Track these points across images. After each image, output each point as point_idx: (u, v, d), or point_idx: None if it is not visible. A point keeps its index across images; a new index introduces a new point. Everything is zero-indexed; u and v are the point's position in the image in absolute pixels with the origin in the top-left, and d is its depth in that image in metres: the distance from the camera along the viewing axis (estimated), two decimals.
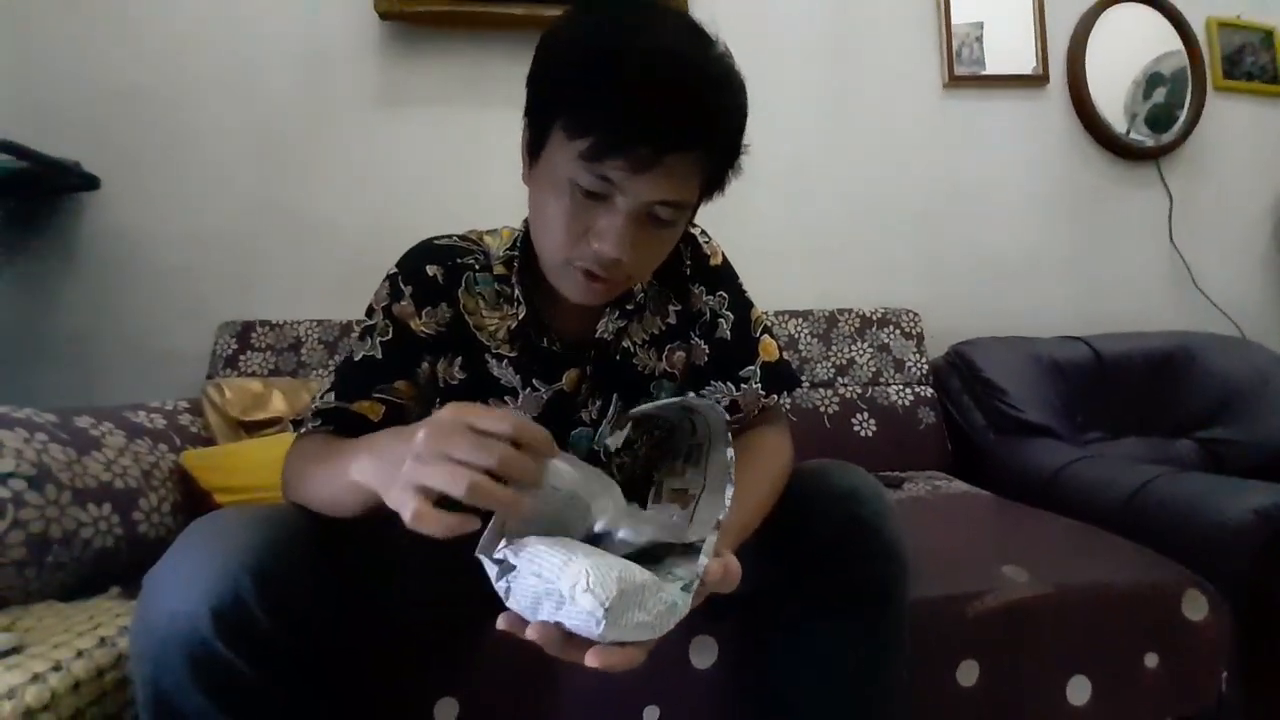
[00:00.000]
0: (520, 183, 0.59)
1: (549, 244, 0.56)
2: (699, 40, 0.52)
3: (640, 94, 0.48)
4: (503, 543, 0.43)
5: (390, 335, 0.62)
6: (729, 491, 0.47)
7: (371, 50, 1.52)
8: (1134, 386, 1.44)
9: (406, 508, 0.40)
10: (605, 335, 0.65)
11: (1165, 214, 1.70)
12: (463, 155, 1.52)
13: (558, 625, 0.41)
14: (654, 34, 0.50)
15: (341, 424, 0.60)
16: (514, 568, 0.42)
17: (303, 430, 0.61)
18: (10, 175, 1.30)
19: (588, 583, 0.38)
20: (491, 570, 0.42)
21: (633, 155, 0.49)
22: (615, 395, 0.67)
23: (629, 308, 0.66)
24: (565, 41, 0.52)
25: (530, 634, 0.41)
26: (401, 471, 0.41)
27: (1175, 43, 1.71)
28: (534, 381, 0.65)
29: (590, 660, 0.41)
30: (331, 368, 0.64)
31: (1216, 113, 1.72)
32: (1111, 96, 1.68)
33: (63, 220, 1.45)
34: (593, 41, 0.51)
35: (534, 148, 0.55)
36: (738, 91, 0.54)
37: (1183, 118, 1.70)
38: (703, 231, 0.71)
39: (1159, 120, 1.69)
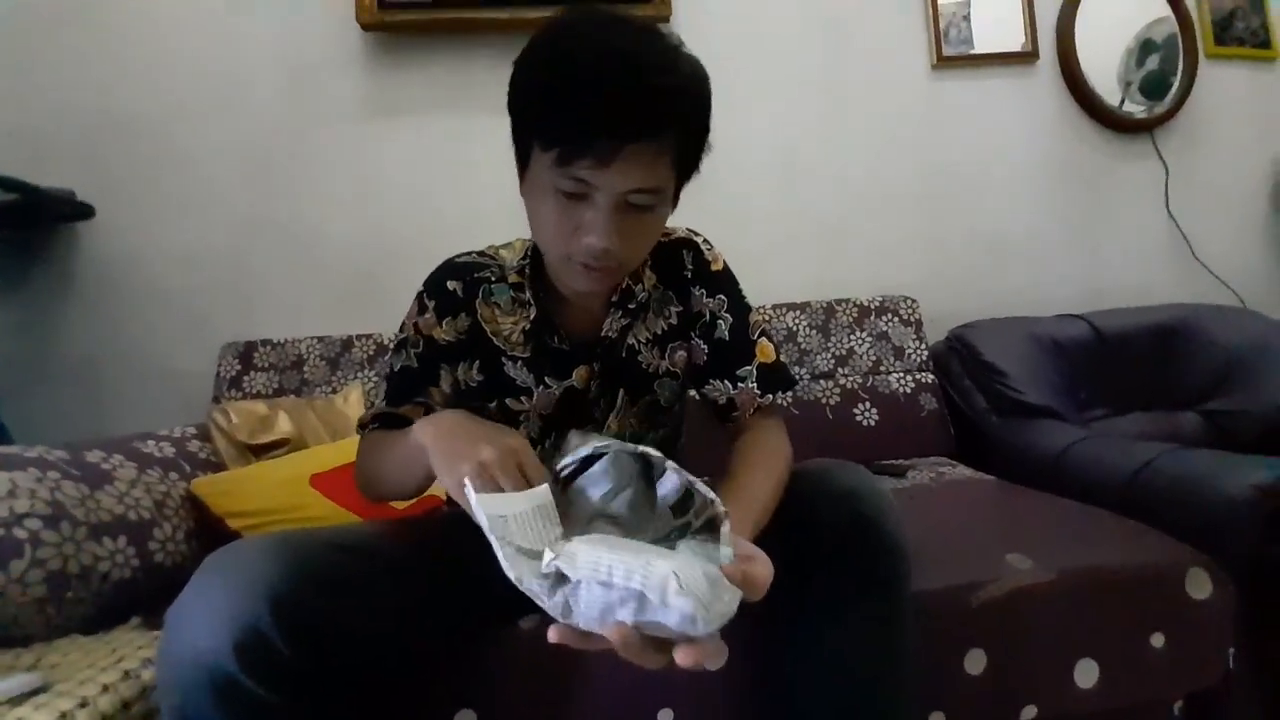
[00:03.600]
0: (510, 187, 0.64)
1: (547, 245, 0.62)
2: (645, 37, 0.56)
3: (589, 95, 0.53)
4: (548, 554, 0.41)
5: (421, 348, 0.69)
6: (701, 486, 0.49)
7: (355, 62, 1.52)
8: (1136, 362, 1.44)
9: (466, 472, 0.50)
10: (610, 334, 0.70)
11: (1162, 185, 1.69)
12: (451, 162, 1.52)
13: (636, 628, 0.41)
14: (602, 40, 0.54)
15: (393, 425, 0.69)
16: (568, 580, 0.40)
17: (366, 430, 0.70)
18: (5, 208, 1.30)
19: (679, 584, 0.38)
20: (539, 588, 0.41)
21: (595, 152, 0.53)
22: (621, 390, 0.72)
23: (631, 307, 0.71)
24: (527, 65, 0.58)
25: (611, 636, 0.41)
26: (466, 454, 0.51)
27: (1164, 9, 1.69)
28: (546, 379, 0.70)
29: (684, 660, 0.41)
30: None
31: (1209, 80, 1.70)
32: (1103, 68, 1.67)
33: (60, 249, 1.46)
34: (547, 60, 0.56)
35: (521, 164, 0.61)
36: (688, 75, 0.57)
37: (1175, 86, 1.68)
38: (705, 240, 0.75)
39: (1153, 87, 1.68)
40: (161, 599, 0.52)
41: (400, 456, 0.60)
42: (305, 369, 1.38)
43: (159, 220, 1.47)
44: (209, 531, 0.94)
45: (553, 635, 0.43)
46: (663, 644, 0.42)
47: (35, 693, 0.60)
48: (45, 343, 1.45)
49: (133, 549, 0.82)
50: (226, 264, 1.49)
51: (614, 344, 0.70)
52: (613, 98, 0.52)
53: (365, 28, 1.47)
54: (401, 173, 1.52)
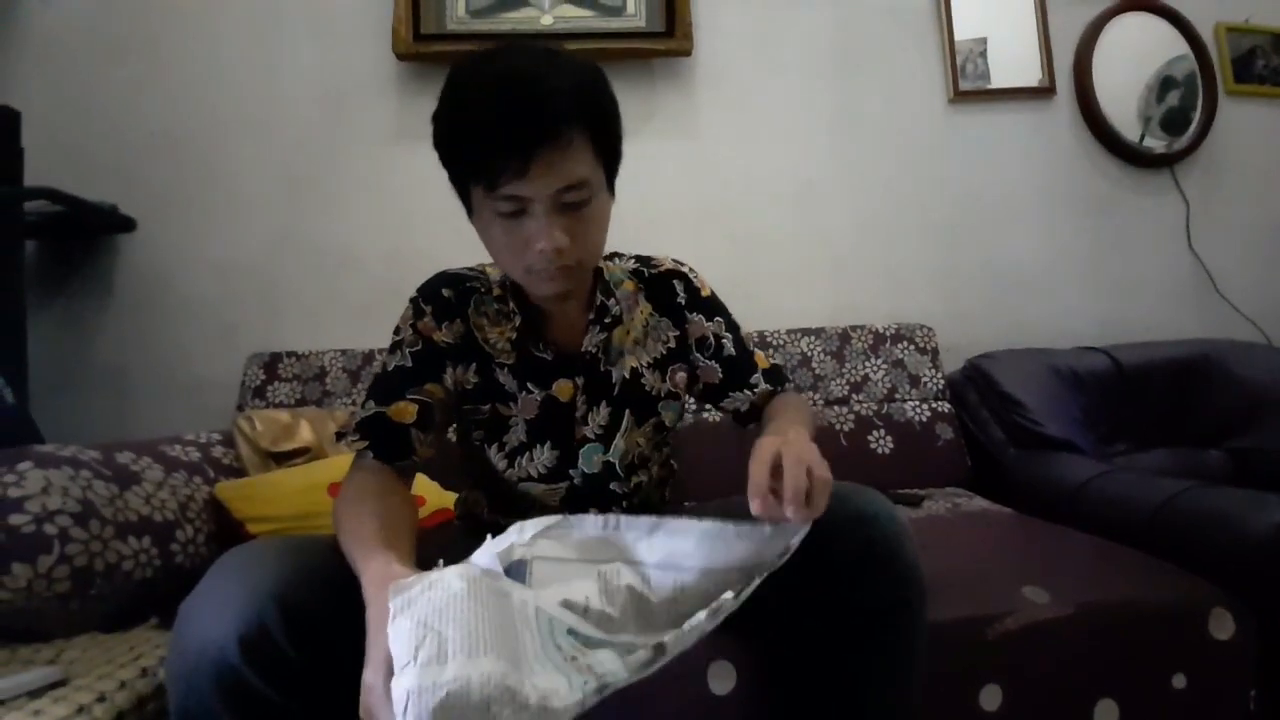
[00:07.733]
0: None
1: (507, 266, 0.66)
2: (524, 54, 0.60)
3: (486, 118, 0.57)
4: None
5: (419, 346, 0.71)
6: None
7: (390, 89, 1.58)
8: (1157, 397, 1.41)
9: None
10: (590, 349, 0.74)
11: (1183, 221, 1.69)
12: None
13: None
14: (486, 69, 0.59)
15: (380, 434, 0.67)
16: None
17: (344, 441, 0.68)
18: (50, 219, 1.37)
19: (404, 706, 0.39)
20: None
21: (512, 167, 0.58)
22: (613, 407, 0.74)
23: (606, 321, 0.75)
24: (435, 119, 0.62)
25: None
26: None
27: (1183, 47, 1.71)
28: (528, 384, 0.73)
29: None
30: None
31: (1229, 117, 1.71)
32: (1122, 104, 1.68)
33: (100, 260, 1.52)
34: (445, 106, 0.61)
35: (465, 204, 0.66)
36: (572, 73, 0.60)
37: (1195, 122, 1.69)
38: (691, 269, 0.82)
39: (1174, 122, 1.68)
40: (179, 600, 0.53)
41: (351, 556, 0.56)
42: (327, 380, 1.41)
43: (196, 235, 1.53)
44: (229, 535, 0.95)
45: None
46: None
47: (54, 686, 0.62)
48: (80, 347, 1.50)
49: (156, 549, 0.84)
50: (257, 278, 1.53)
51: (595, 359, 0.74)
52: (505, 112, 0.57)
53: (400, 57, 1.53)
54: (428, 196, 1.56)
